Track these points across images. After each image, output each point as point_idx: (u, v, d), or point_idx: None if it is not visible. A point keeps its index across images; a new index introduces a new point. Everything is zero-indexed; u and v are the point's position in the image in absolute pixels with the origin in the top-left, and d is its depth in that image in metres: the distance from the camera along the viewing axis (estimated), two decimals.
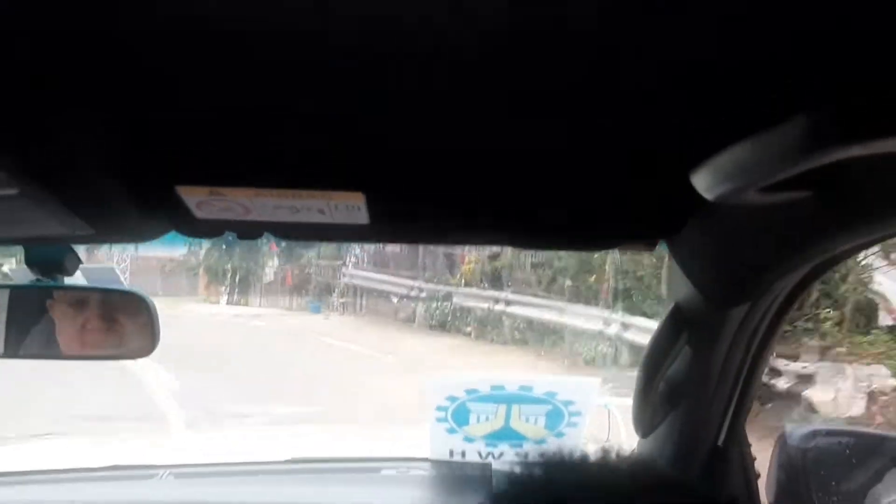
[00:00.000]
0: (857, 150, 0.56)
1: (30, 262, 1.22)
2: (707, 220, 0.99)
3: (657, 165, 0.82)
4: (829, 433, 1.44)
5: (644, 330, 9.19)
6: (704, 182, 0.72)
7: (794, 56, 0.58)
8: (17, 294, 1.30)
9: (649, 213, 0.99)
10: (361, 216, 0.93)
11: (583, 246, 1.25)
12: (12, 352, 1.29)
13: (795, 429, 1.40)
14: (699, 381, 1.25)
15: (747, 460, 1.37)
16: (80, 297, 1.29)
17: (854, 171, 0.63)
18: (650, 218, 1.01)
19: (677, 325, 1.22)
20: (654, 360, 1.26)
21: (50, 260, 1.22)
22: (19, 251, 1.26)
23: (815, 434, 1.39)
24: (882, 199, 0.77)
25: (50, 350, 1.30)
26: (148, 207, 0.92)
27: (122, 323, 1.26)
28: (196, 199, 0.88)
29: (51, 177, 0.76)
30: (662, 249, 1.13)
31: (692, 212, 0.98)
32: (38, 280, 1.23)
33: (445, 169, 0.85)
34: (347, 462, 1.99)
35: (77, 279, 1.33)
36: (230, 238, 1.05)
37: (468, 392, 1.73)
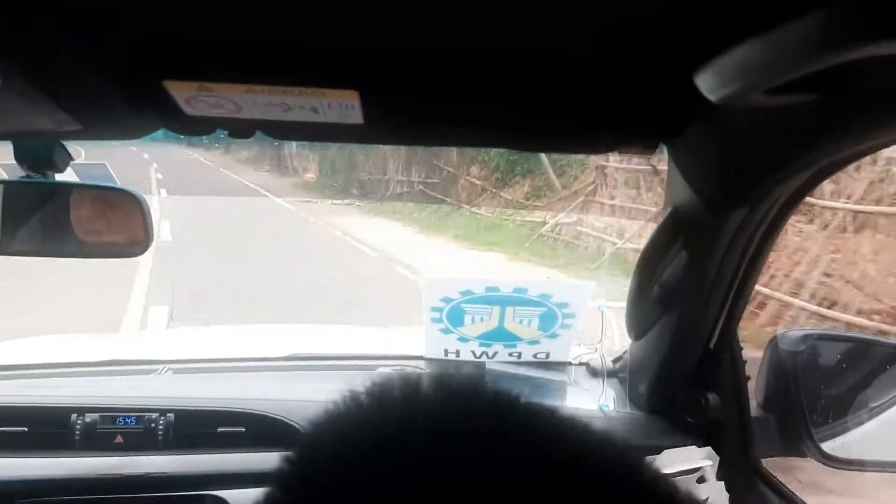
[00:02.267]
0: (868, 51, 0.54)
1: (19, 158, 1.21)
2: (709, 123, 0.97)
3: (660, 66, 0.79)
4: (821, 337, 1.45)
5: None
6: (708, 83, 0.70)
7: None
8: (10, 189, 1.28)
9: (650, 115, 0.97)
10: (356, 115, 0.90)
11: (582, 149, 1.23)
12: (7, 248, 1.29)
13: (788, 332, 1.41)
14: (693, 285, 1.25)
15: (738, 363, 1.39)
16: (71, 193, 1.27)
17: (862, 72, 0.60)
18: (651, 120, 0.99)
19: (674, 229, 1.21)
20: (650, 264, 1.26)
21: (40, 156, 1.21)
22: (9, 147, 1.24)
23: (806, 338, 1.40)
24: (889, 102, 0.75)
25: (42, 247, 1.29)
26: (136, 103, 0.90)
27: (115, 221, 1.25)
28: (185, 94, 0.85)
29: (36, 70, 0.74)
30: (662, 152, 1.11)
31: (694, 114, 0.96)
32: (28, 176, 1.22)
33: (442, 69, 0.82)
34: (344, 360, 2.02)
35: (69, 176, 1.31)
36: (221, 136, 1.03)
37: (463, 293, 1.74)
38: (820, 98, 0.69)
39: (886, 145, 0.91)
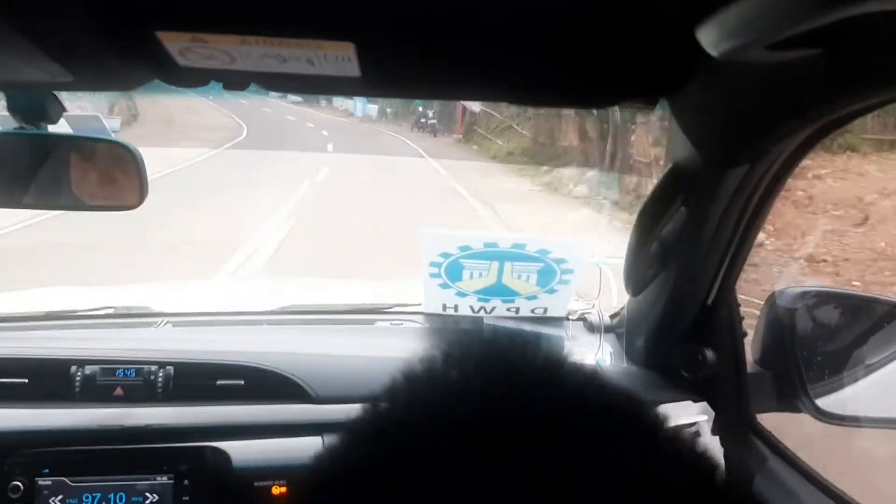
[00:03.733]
0: (872, 6, 0.52)
1: (12, 108, 1.19)
2: (711, 78, 0.96)
3: (661, 19, 0.78)
4: (819, 294, 1.45)
5: None
6: (710, 37, 0.69)
7: None
8: (3, 140, 1.27)
9: (651, 69, 0.96)
10: (352, 68, 0.89)
11: (582, 103, 1.21)
12: (3, 201, 1.28)
13: (786, 289, 1.41)
14: (692, 241, 1.25)
15: (735, 320, 1.39)
16: (66, 145, 1.26)
17: (865, 27, 0.59)
18: (652, 75, 0.98)
19: (674, 185, 1.21)
20: (649, 220, 1.26)
21: (32, 106, 1.19)
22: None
23: (804, 294, 1.40)
24: (892, 57, 0.74)
25: (37, 199, 1.28)
26: (128, 54, 0.88)
27: (110, 173, 1.24)
28: (178, 45, 0.84)
29: (25, 20, 0.72)
30: (663, 108, 1.10)
31: (696, 69, 0.95)
32: (21, 128, 1.20)
33: (438, 21, 0.81)
34: (342, 313, 2.02)
35: (62, 128, 1.29)
36: (216, 88, 1.02)
37: (461, 249, 1.73)
38: (822, 54, 0.67)
39: (888, 102, 0.90)
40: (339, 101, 41.21)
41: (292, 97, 39.47)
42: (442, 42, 0.87)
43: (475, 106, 21.76)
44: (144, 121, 26.07)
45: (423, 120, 29.90)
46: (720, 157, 1.10)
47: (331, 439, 0.44)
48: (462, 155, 23.09)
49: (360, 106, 38.95)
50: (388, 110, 37.01)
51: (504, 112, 22.50)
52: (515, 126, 22.30)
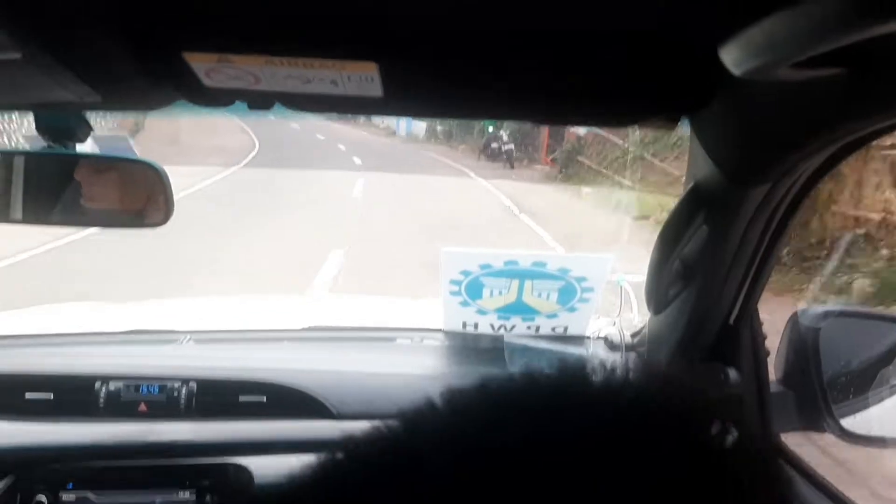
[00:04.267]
0: None
1: (41, 128, 1.21)
2: (733, 97, 0.96)
3: (685, 38, 0.78)
4: (842, 313, 1.44)
5: None
6: (733, 56, 0.69)
7: None
8: (32, 160, 1.29)
9: (674, 88, 0.96)
10: (375, 88, 0.90)
11: (604, 121, 1.21)
12: (30, 218, 1.30)
13: (808, 308, 1.40)
14: (714, 260, 1.24)
15: (758, 339, 1.38)
16: (92, 165, 1.28)
17: (890, 47, 0.59)
18: (674, 93, 0.98)
19: (695, 204, 1.20)
20: (670, 238, 1.26)
21: (60, 127, 1.21)
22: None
23: (827, 314, 1.39)
24: None
25: (63, 217, 1.31)
26: (155, 74, 0.90)
27: (136, 192, 1.26)
28: (205, 66, 0.86)
29: (53, 40, 0.74)
30: (685, 126, 1.10)
31: (718, 88, 0.95)
32: (49, 147, 1.23)
33: (461, 42, 0.82)
34: (363, 331, 2.03)
35: (89, 147, 1.32)
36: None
37: (482, 266, 1.74)
38: (846, 73, 0.68)
39: None
40: (381, 118, 32.95)
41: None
42: (465, 62, 0.87)
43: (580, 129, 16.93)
44: (149, 137, 20.48)
45: (494, 145, 22.58)
46: (742, 175, 1.10)
47: (333, 454, 0.43)
48: (572, 204, 15.13)
49: (404, 124, 34.18)
50: (439, 128, 31.68)
51: (626, 136, 16.07)
52: (650, 157, 15.04)
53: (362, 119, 36.17)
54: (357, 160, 21.69)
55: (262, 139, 26.68)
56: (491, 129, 22.68)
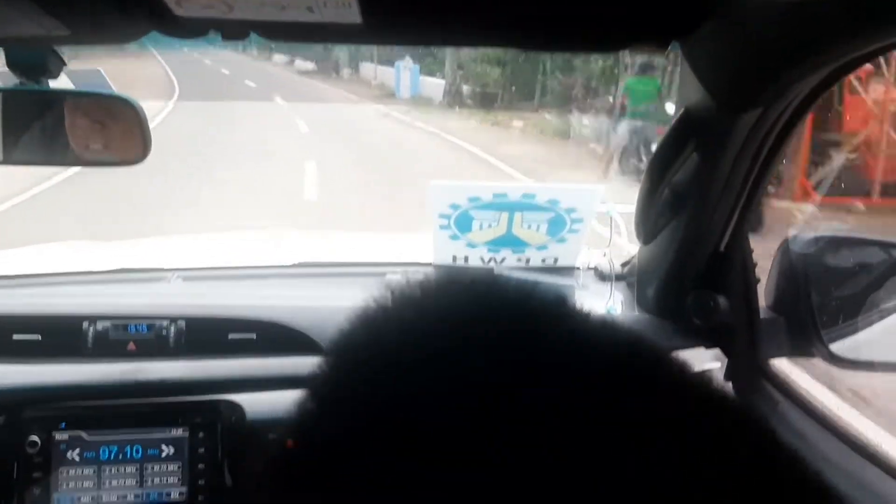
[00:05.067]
0: None
1: (11, 64, 1.18)
2: (723, 20, 0.93)
3: None
4: (833, 240, 1.43)
5: None
6: None
7: None
8: (7, 97, 1.26)
9: (663, 11, 0.93)
10: (352, 14, 0.87)
11: (593, 47, 1.19)
12: (8, 157, 1.28)
13: (799, 234, 1.40)
14: (704, 187, 1.23)
15: (748, 265, 1.38)
16: (67, 100, 1.25)
17: None
18: (664, 16, 0.95)
19: (686, 131, 1.19)
20: (660, 166, 1.24)
21: (32, 62, 1.18)
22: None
23: (818, 240, 1.39)
24: None
25: (42, 156, 1.28)
26: (125, 5, 0.86)
27: (113, 129, 1.23)
28: None
29: None
30: (675, 50, 1.07)
31: (709, 10, 0.92)
32: (21, 84, 1.19)
33: None
34: (353, 266, 2.02)
35: (63, 82, 1.28)
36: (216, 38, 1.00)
37: (471, 199, 1.72)
38: None
39: None
40: (372, 70, 25.73)
41: (300, 61, 31.16)
42: None
43: None
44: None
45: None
46: (733, 101, 1.08)
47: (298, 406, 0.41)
48: None
49: (409, 78, 21.22)
50: (476, 90, 19.18)
51: None
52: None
53: (347, 71, 28.50)
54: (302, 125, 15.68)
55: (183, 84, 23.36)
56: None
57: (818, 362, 1.38)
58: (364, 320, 0.41)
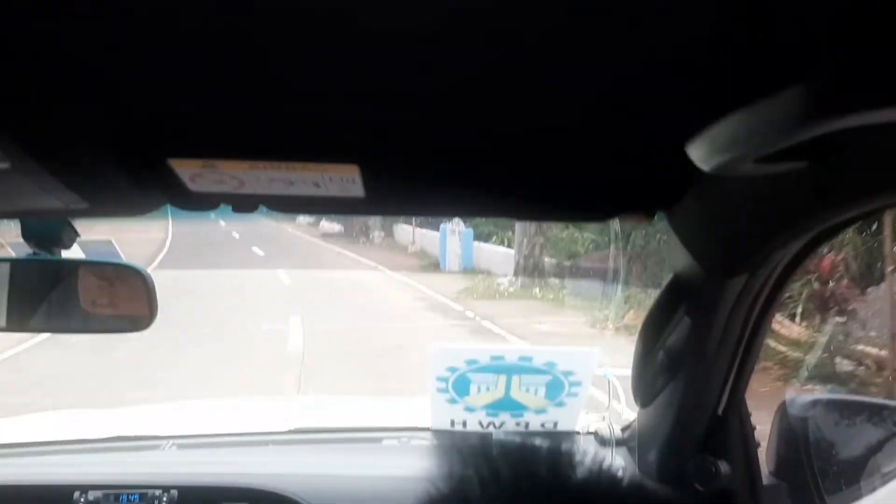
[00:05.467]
0: (853, 121, 0.55)
1: (27, 236, 1.22)
2: (704, 191, 0.98)
3: (653, 136, 0.81)
4: (830, 402, 1.44)
5: None
6: (699, 153, 0.72)
7: (789, 25, 0.56)
8: (17, 267, 1.30)
9: (647, 184, 0.99)
10: (356, 189, 0.92)
11: (580, 217, 1.24)
12: (15, 325, 1.30)
13: (796, 397, 1.40)
14: (698, 351, 1.25)
15: (747, 429, 1.37)
16: (78, 270, 1.29)
17: (851, 141, 0.62)
18: (648, 189, 1.01)
19: (676, 296, 1.22)
20: (653, 331, 1.26)
21: (47, 234, 1.22)
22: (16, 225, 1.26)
23: (815, 403, 1.39)
24: (880, 169, 0.76)
25: (49, 323, 1.31)
26: (142, 181, 0.91)
27: (120, 296, 1.26)
28: (189, 171, 0.87)
29: (43, 151, 0.75)
30: (661, 221, 1.12)
31: (690, 183, 0.98)
32: (35, 254, 1.23)
33: (438, 143, 0.84)
34: (349, 432, 2.00)
35: (75, 252, 1.32)
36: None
37: (468, 362, 1.73)
38: (811, 166, 0.70)
39: (882, 209, 0.92)
40: (409, 233, 21.46)
41: (326, 223, 26.20)
42: (441, 163, 0.90)
43: None
44: None
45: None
46: (720, 267, 1.12)
47: None
48: None
49: (458, 244, 16.81)
50: (565, 263, 14.25)
51: None
52: None
53: (379, 234, 23.99)
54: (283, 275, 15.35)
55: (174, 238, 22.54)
56: None
57: None
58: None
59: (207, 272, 15.43)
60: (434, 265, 17.62)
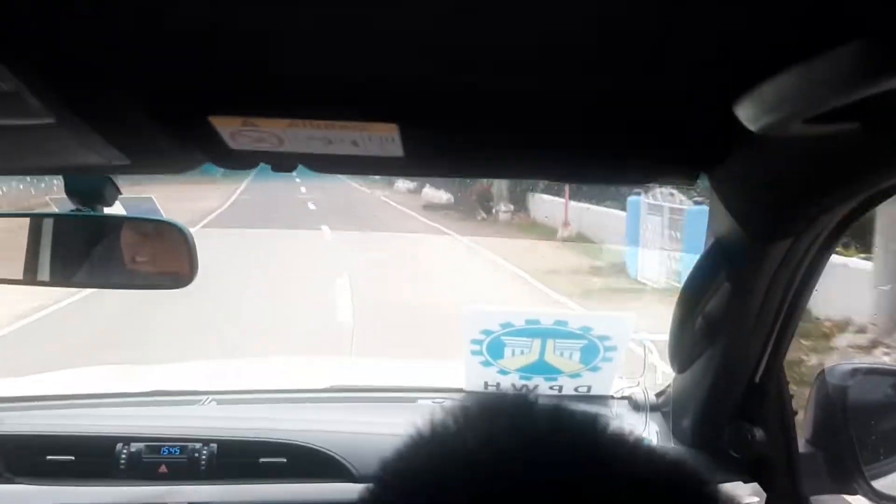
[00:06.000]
0: None
1: (70, 192, 1.24)
2: (750, 152, 0.96)
3: (700, 96, 0.79)
4: (871, 371, 1.41)
5: None
6: (748, 112, 0.70)
7: None
8: (60, 222, 1.32)
9: (690, 144, 0.97)
10: (395, 148, 0.92)
11: (621, 179, 1.22)
12: (58, 280, 1.33)
13: (836, 366, 1.38)
14: (738, 317, 1.23)
15: (785, 397, 1.36)
16: (120, 226, 1.31)
17: None
18: (691, 150, 0.99)
19: (717, 261, 1.20)
20: (692, 296, 1.25)
21: (89, 190, 1.24)
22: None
23: (855, 371, 1.37)
24: None
25: (90, 278, 1.33)
26: (182, 138, 0.92)
27: (161, 253, 1.28)
28: (230, 129, 0.88)
29: (85, 106, 0.76)
30: (703, 183, 1.10)
31: (735, 143, 0.95)
32: (78, 210, 1.25)
33: (479, 102, 0.83)
34: (385, 391, 2.02)
35: (117, 209, 1.34)
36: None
37: (503, 326, 1.73)
38: (862, 128, 0.68)
39: None
40: (559, 206, 13.86)
41: (430, 190, 20.20)
42: (483, 122, 0.89)
43: None
44: None
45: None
46: (763, 231, 1.10)
47: None
48: None
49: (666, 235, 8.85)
50: None
51: None
52: None
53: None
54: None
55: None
56: None
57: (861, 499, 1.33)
58: (410, 448, 0.43)
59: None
60: (617, 271, 10.09)
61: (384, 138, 0.89)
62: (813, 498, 1.37)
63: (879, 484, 1.28)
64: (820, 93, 0.60)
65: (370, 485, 0.43)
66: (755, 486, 1.37)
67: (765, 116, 0.67)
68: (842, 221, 1.10)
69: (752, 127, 0.70)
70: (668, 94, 0.80)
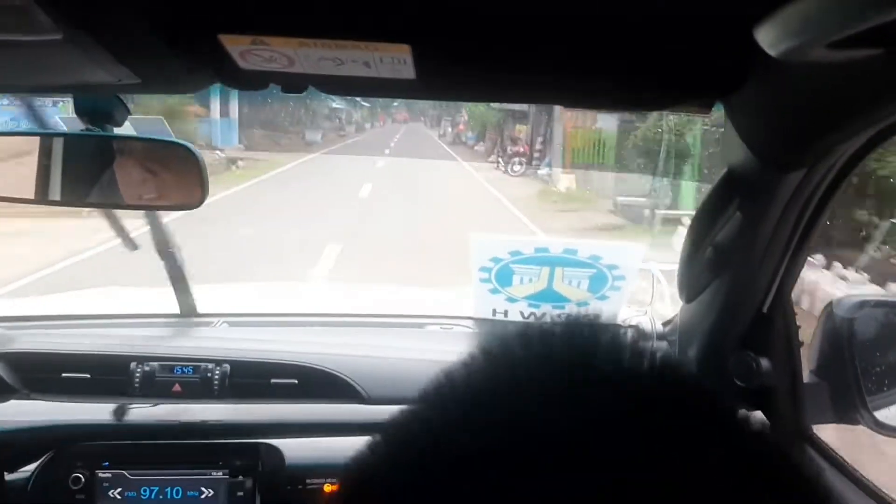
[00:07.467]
0: None
1: (79, 110, 1.23)
2: (768, 79, 0.94)
3: (718, 19, 0.77)
4: (878, 304, 1.41)
5: None
6: (768, 37, 0.68)
7: None
8: (70, 143, 1.31)
9: (708, 70, 0.95)
10: (407, 70, 0.90)
11: (635, 106, 1.20)
12: (69, 199, 1.33)
13: (844, 298, 1.38)
14: (748, 247, 1.23)
15: (791, 328, 1.37)
16: (130, 146, 1.30)
17: None
18: (707, 76, 0.97)
19: (729, 189, 1.19)
20: (703, 225, 1.25)
21: (99, 109, 1.23)
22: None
23: (863, 304, 1.37)
24: None
25: (101, 199, 1.33)
26: (192, 56, 0.91)
27: (171, 174, 1.28)
28: (239, 48, 0.86)
29: (93, 22, 0.75)
30: (719, 110, 1.09)
31: (752, 69, 0.93)
32: (87, 129, 1.25)
33: (493, 24, 0.82)
34: (394, 317, 2.04)
35: (127, 130, 1.33)
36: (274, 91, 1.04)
37: (512, 253, 1.74)
38: (884, 54, 0.66)
39: None
40: None
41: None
42: (497, 45, 0.87)
43: None
44: None
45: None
46: (777, 160, 1.08)
47: (366, 441, 0.43)
48: None
49: None
50: None
51: None
52: None
53: None
54: None
55: None
56: None
57: (863, 429, 1.34)
58: (459, 373, 0.42)
59: None
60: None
61: (396, 59, 0.87)
62: (814, 427, 1.39)
63: (882, 415, 1.30)
64: (844, 16, 0.58)
65: (404, 408, 0.42)
66: (758, 414, 1.39)
67: (786, 41, 0.66)
68: (856, 153, 1.09)
69: (772, 52, 0.69)
70: (686, 18, 0.78)
